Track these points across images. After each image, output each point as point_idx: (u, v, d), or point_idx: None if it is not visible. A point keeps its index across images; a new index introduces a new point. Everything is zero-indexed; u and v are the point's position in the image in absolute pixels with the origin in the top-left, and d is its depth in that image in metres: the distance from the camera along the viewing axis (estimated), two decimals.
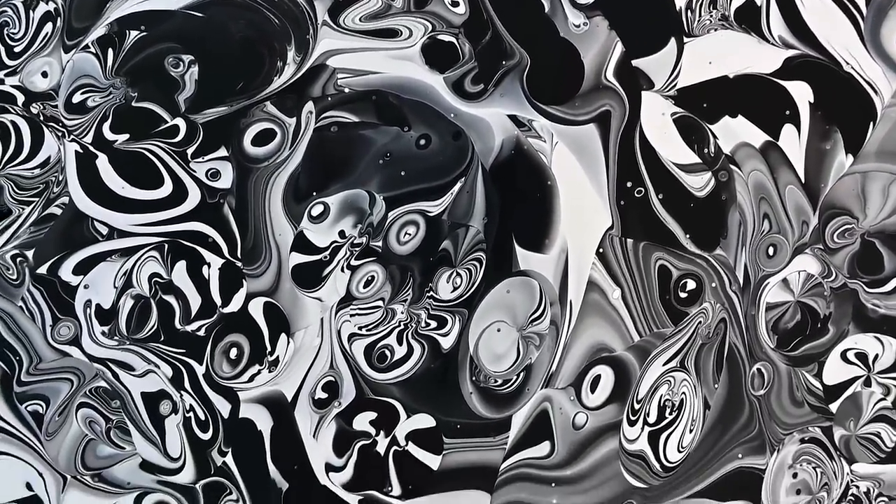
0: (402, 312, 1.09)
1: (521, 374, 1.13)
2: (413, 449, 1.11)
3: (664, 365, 1.15)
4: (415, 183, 1.09)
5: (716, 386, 1.17)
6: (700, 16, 1.13)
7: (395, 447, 1.11)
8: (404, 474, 1.10)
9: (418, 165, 1.09)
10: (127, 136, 1.03)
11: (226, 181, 1.06)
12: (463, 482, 1.11)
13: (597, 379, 1.14)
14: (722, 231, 1.15)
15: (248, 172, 1.07)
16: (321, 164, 1.07)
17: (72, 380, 1.05)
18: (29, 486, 1.05)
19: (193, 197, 1.05)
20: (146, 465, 1.06)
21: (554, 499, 1.15)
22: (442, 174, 1.10)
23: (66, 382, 1.05)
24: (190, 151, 1.04)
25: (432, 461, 1.11)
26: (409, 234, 1.09)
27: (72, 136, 1.03)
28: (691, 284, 1.15)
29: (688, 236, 1.14)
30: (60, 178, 1.04)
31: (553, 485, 1.14)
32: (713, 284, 1.16)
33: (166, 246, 1.05)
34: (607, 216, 1.12)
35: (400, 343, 1.10)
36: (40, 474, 1.06)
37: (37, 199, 1.04)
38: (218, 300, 1.05)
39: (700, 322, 1.16)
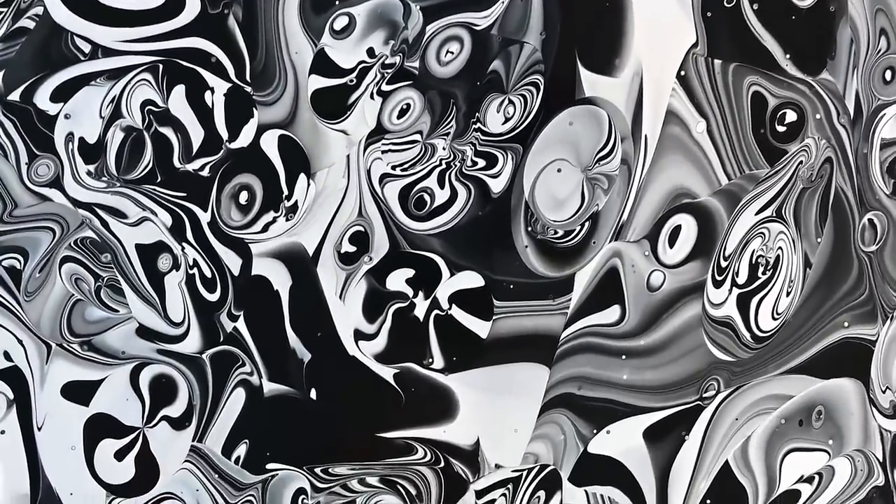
0: (443, 148, 0.97)
1: (586, 224, 1.01)
2: (458, 313, 1.00)
3: (757, 214, 1.04)
4: None
5: (818, 240, 1.07)
6: None
7: (436, 311, 0.99)
8: (447, 344, 0.99)
9: None
10: None
11: None
12: (516, 353, 1.00)
13: (676, 230, 1.02)
14: (829, 50, 1.04)
15: None
16: None
17: (53, 229, 0.93)
18: (7, 356, 0.94)
19: (192, 6, 0.91)
20: (143, 332, 0.95)
21: (624, 373, 1.04)
22: None
23: (47, 232, 0.93)
24: None
25: (480, 328, 1.00)
26: (452, 53, 0.96)
27: None
28: (791, 116, 1.04)
29: (788, 56, 1.03)
30: None
31: (623, 357, 1.03)
32: (817, 116, 1.04)
33: (161, 67, 0.92)
34: (691, 31, 1.00)
35: (441, 186, 0.98)
36: (20, 342, 0.94)
37: (4, 11, 0.91)
38: (224, 133, 0.93)
39: (801, 162, 1.05)
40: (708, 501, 1.11)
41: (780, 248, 1.06)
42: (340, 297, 1.00)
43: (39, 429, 0.96)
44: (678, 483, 1.09)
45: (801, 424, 1.11)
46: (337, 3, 0.95)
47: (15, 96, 0.90)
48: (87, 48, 0.92)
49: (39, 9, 0.92)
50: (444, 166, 0.98)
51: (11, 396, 0.96)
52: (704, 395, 1.07)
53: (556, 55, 0.98)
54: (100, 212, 0.94)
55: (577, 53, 0.98)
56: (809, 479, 1.15)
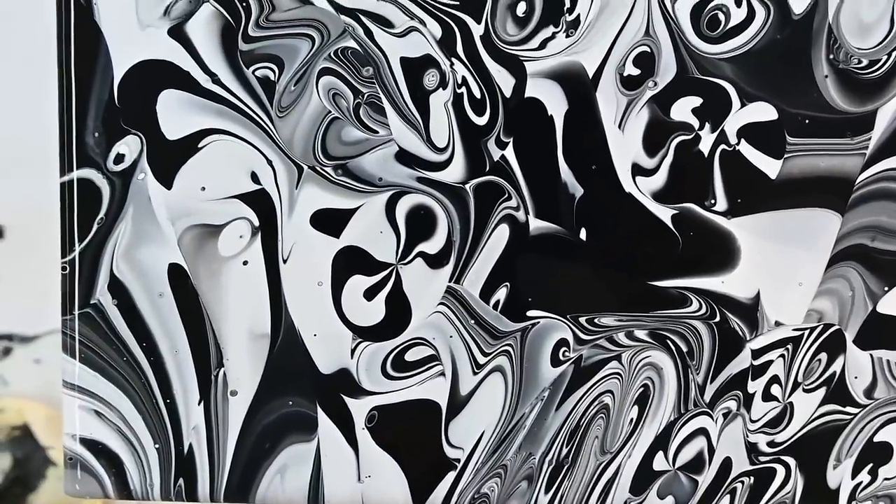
0: None
1: (894, 54, 0.94)
2: (746, 149, 0.94)
3: None
4: None
5: None
6: None
7: (722, 146, 0.94)
8: (733, 182, 0.93)
9: None
10: None
11: None
12: (808, 196, 0.93)
13: None
14: None
15: None
16: None
17: (313, 37, 0.89)
18: (255, 178, 0.91)
19: None
20: (403, 156, 0.92)
21: None
22: None
23: (306, 40, 0.89)
24: None
25: (770, 167, 0.94)
26: None
27: None
28: None
29: None
30: None
31: None
32: None
33: None
34: None
35: (738, 3, 0.91)
36: (269, 162, 0.91)
37: None
38: None
39: None
40: None
41: None
42: (619, 126, 0.95)
43: (285, 261, 0.95)
44: None
45: None
46: None
47: None
48: None
49: None
50: None
51: (257, 223, 0.94)
52: None
53: None
54: (364, 19, 0.89)
55: None
56: None
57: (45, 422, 1.31)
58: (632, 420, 0.97)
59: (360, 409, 0.95)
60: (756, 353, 0.97)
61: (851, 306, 0.97)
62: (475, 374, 0.95)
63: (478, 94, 0.90)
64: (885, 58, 0.94)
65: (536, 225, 0.93)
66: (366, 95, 0.89)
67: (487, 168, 0.92)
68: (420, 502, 0.97)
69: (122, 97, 0.87)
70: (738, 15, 0.91)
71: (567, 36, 0.90)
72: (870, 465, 0.99)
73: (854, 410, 0.98)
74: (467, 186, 0.92)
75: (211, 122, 0.89)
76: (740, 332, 0.96)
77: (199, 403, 0.93)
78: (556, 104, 0.91)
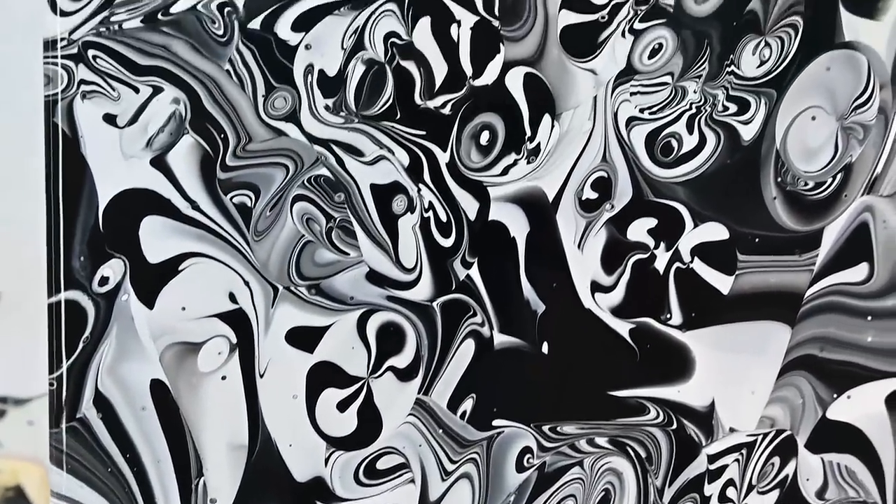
0: (694, 92, 0.96)
1: (839, 176, 1.00)
2: (700, 267, 0.99)
3: None
4: None
5: None
6: None
7: (677, 264, 0.99)
8: (687, 298, 0.99)
9: None
10: None
11: None
12: (757, 310, 1.00)
13: None
14: None
15: None
16: None
17: (287, 165, 0.94)
18: (232, 298, 0.96)
19: None
20: (374, 277, 0.97)
21: (869, 336, 1.03)
22: None
23: (281, 168, 0.94)
24: None
25: (722, 283, 0.99)
26: None
27: None
28: None
29: None
30: None
31: (869, 318, 1.02)
32: None
33: None
34: None
35: (690, 131, 0.97)
36: (246, 283, 0.95)
37: None
38: (468, 69, 0.93)
39: None
40: None
41: None
42: (579, 246, 1.00)
43: (262, 375, 1.00)
44: None
45: None
46: None
47: (255, 24, 0.90)
48: None
49: None
50: (694, 110, 0.96)
51: (234, 340, 0.99)
52: None
53: None
54: (336, 149, 0.95)
55: None
56: None
57: (38, 483, 1.34)
58: None
59: None
60: (712, 458, 1.02)
61: (802, 413, 1.02)
62: (444, 480, 1.00)
63: (444, 218, 0.95)
64: (829, 179, 0.99)
65: (501, 339, 0.98)
66: (338, 220, 0.94)
67: (454, 286, 0.96)
68: None
69: (107, 223, 0.92)
70: (690, 142, 0.97)
71: (528, 162, 0.96)
72: None
73: None
74: (435, 304, 0.97)
75: (191, 245, 0.93)
76: (696, 439, 1.01)
77: None
78: (518, 226, 0.96)
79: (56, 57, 0.90)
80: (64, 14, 0.90)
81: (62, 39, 0.90)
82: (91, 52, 0.91)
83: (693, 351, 1.00)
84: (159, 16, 0.90)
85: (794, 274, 1.01)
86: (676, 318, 0.99)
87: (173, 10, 0.90)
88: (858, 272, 1.02)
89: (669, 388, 1.00)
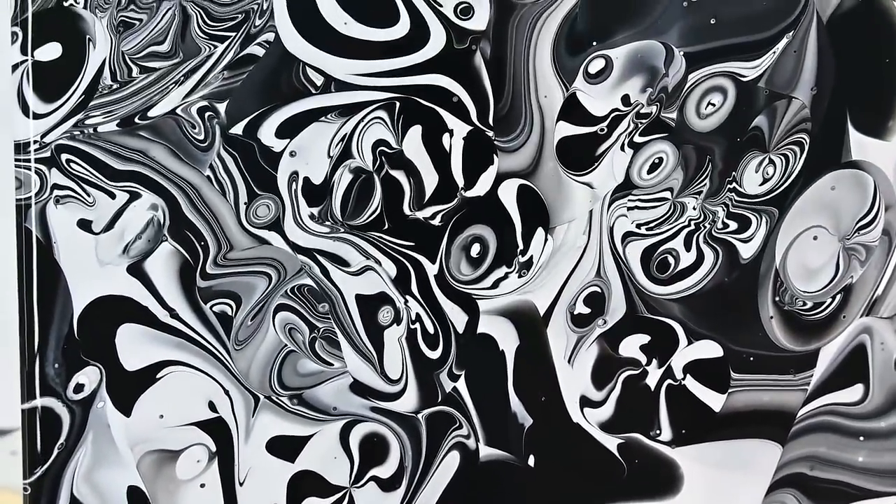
0: (694, 208, 0.93)
1: (838, 297, 0.97)
2: (692, 384, 0.97)
3: None
4: (726, 35, 0.92)
5: None
6: None
7: (669, 381, 0.97)
8: (678, 415, 0.96)
9: (734, 12, 0.92)
10: None
11: (480, 21, 0.90)
12: (749, 429, 0.97)
13: None
14: None
15: (509, 10, 0.90)
16: (606, 2, 0.91)
17: (270, 275, 0.91)
18: (212, 407, 0.94)
19: (437, 40, 0.90)
20: (357, 388, 0.95)
21: (860, 456, 1.01)
22: (763, 25, 0.93)
23: (263, 278, 0.92)
24: None
25: (714, 401, 0.97)
26: (714, 105, 0.91)
27: None
28: None
29: None
30: (265, 7, 0.88)
31: (862, 438, 0.99)
32: None
33: (398, 105, 0.90)
34: None
35: (688, 248, 0.95)
36: (227, 392, 0.93)
37: (232, 35, 0.89)
38: (460, 180, 0.91)
39: None
40: None
41: None
42: (569, 361, 0.98)
43: (241, 484, 0.98)
44: None
45: None
46: (594, 44, 0.94)
47: (238, 129, 0.87)
48: (319, 80, 0.87)
49: (271, 35, 0.89)
50: (692, 227, 0.93)
51: (214, 449, 0.97)
52: None
53: (826, 113, 0.93)
54: (320, 258, 0.92)
55: (848, 113, 0.93)
56: None
57: None
58: None
59: None
60: None
61: None
62: None
63: (431, 330, 0.93)
64: (829, 300, 0.96)
65: (487, 452, 0.95)
66: (321, 330, 0.92)
67: (440, 399, 0.94)
68: None
69: (82, 330, 0.89)
70: (687, 258, 0.94)
71: (520, 276, 0.93)
72: None
73: None
74: (420, 416, 0.94)
75: (169, 353, 0.90)
76: None
77: None
78: (507, 340, 0.93)
79: (28, 160, 0.87)
80: (37, 116, 0.86)
81: (35, 142, 0.87)
82: (65, 156, 0.87)
83: (681, 466, 0.97)
84: (137, 119, 0.87)
85: (787, 393, 0.98)
86: (666, 433, 0.97)
87: (151, 113, 0.87)
88: (853, 393, 0.99)
89: (657, 503, 0.98)
